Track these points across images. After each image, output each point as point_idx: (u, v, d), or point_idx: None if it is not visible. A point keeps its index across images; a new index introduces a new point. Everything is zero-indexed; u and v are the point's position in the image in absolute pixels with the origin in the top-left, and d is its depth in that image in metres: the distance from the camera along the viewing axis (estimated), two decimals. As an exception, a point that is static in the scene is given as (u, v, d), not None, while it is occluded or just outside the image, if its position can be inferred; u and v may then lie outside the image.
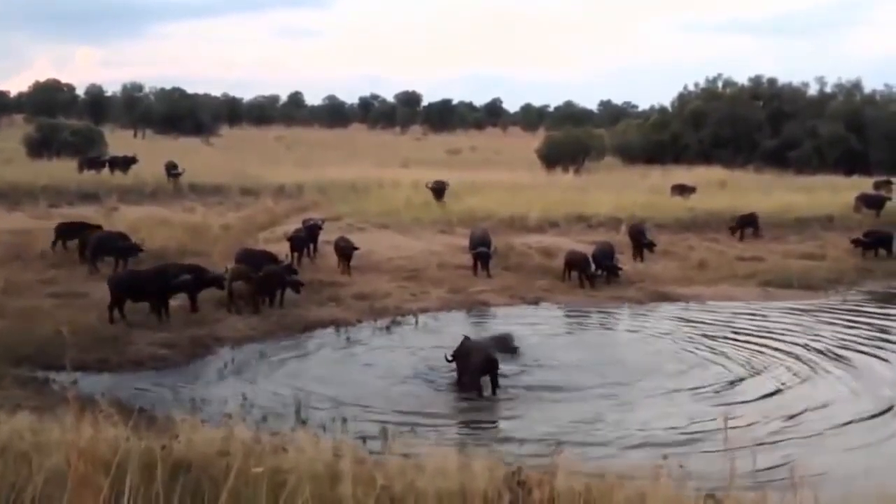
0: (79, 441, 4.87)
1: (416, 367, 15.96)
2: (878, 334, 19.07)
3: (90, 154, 43.54)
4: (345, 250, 22.78)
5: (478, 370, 14.32)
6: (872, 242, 27.47)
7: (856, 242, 27.48)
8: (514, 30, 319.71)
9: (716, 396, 14.65)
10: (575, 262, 23.26)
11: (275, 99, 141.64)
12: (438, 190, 33.17)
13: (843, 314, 21.09)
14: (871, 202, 33.30)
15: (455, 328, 19.39)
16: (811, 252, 27.70)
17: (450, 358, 15.02)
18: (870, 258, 27.02)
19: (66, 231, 23.44)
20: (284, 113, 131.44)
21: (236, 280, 19.25)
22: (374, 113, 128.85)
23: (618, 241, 26.06)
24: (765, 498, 5.77)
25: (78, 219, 25.27)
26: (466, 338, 15.24)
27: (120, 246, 21.76)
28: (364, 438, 10.68)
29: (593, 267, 23.14)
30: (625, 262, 25.27)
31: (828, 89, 65.31)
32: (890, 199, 33.85)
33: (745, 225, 29.50)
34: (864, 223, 30.76)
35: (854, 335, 18.89)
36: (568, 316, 20.99)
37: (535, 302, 21.75)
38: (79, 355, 14.42)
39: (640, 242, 26.01)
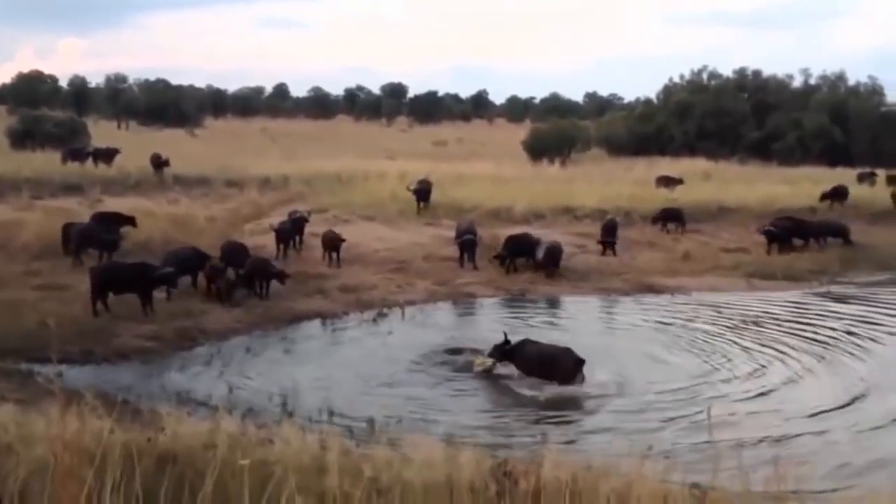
0: (64, 433, 4.84)
1: (403, 358, 15.96)
2: None
3: (73, 145, 43.12)
4: (333, 242, 22.70)
5: (571, 372, 14.36)
6: (779, 232, 27.25)
7: (764, 233, 27.22)
8: (501, 22, 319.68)
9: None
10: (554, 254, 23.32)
11: (259, 90, 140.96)
12: (422, 192, 29.94)
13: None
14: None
15: (442, 320, 19.47)
16: (794, 243, 27.83)
17: (495, 357, 14.99)
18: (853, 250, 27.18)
19: (102, 221, 23.56)
20: (269, 104, 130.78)
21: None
22: (359, 105, 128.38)
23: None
24: (748, 488, 5.80)
25: (113, 210, 25.48)
26: (528, 340, 15.14)
27: (104, 238, 21.65)
28: (351, 430, 10.70)
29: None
30: (610, 253, 25.45)
31: (812, 81, 65.84)
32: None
33: (669, 218, 29.05)
34: (846, 214, 31.04)
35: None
36: (579, 309, 20.81)
37: (521, 294, 21.80)
38: (64, 347, 14.37)
39: (605, 239, 25.68)
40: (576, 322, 19.58)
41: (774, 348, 16.97)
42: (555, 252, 23.26)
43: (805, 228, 27.75)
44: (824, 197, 32.90)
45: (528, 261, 23.47)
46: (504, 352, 14.95)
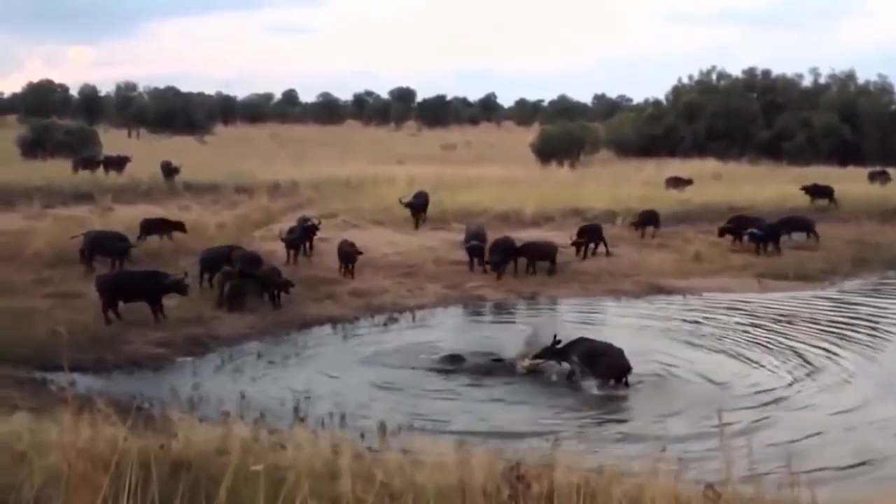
0: (77, 441, 4.87)
1: (414, 363, 15.96)
2: None
3: (84, 154, 43.36)
4: (349, 255, 22.46)
5: (612, 374, 14.44)
6: (736, 230, 27.04)
7: (721, 231, 27.05)
8: (508, 24, 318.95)
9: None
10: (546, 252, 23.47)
11: (269, 97, 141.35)
12: (418, 205, 28.58)
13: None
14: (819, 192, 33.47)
15: (452, 323, 19.49)
16: (806, 243, 27.78)
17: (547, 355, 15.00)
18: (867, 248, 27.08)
19: (151, 227, 24.48)
20: (278, 110, 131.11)
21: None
22: (368, 109, 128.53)
23: (614, 235, 26.28)
24: (763, 490, 5.78)
25: (159, 216, 26.33)
26: (582, 338, 15.18)
27: (116, 246, 21.70)
28: (363, 434, 10.71)
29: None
30: (621, 255, 25.42)
31: (822, 80, 65.65)
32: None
33: (647, 222, 28.40)
34: (859, 213, 31.00)
35: None
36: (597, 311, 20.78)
37: (532, 296, 21.79)
38: (76, 355, 14.43)
39: (580, 242, 25.16)
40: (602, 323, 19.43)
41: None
42: (526, 248, 23.37)
43: (759, 226, 27.05)
44: (805, 190, 32.97)
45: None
46: (556, 351, 14.90)
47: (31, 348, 14.77)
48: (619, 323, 19.33)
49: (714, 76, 66.15)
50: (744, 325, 19.10)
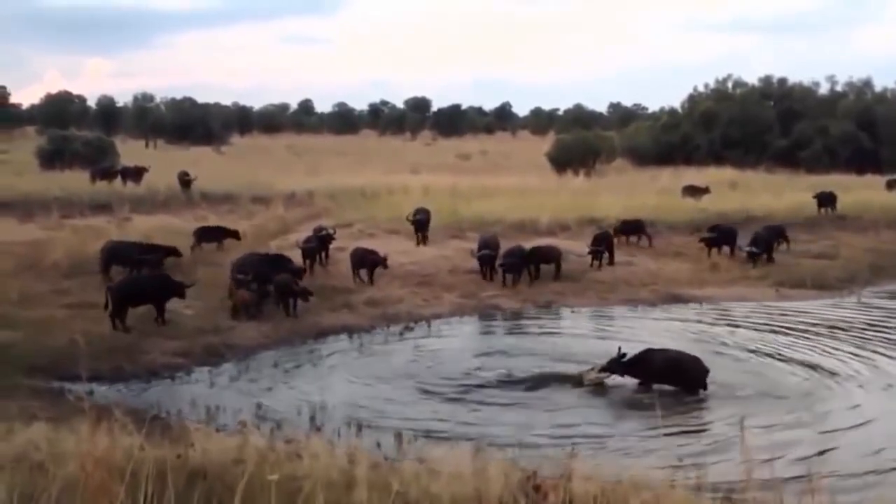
0: (94, 450, 4.88)
1: (430, 371, 15.95)
2: None
3: (102, 164, 43.64)
4: (368, 262, 22.43)
5: (699, 382, 14.50)
6: (717, 239, 26.69)
7: (703, 241, 26.63)
8: (523, 34, 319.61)
9: None
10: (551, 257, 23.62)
11: (285, 107, 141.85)
12: (422, 222, 27.68)
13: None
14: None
15: (468, 331, 19.46)
16: (823, 252, 27.60)
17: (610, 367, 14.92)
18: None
19: (205, 235, 25.39)
20: (294, 121, 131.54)
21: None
22: (383, 119, 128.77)
23: (631, 244, 26.22)
24: (782, 502, 5.72)
25: (213, 223, 27.29)
26: (651, 349, 15.15)
27: (138, 258, 21.76)
28: (379, 444, 10.69)
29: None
30: (637, 264, 25.32)
31: (838, 88, 65.28)
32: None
33: (628, 231, 27.67)
34: (878, 222, 30.75)
35: None
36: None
37: (548, 305, 21.74)
38: (93, 365, 14.50)
39: (598, 250, 24.95)
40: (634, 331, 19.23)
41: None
42: (532, 253, 23.40)
43: (755, 241, 26.43)
44: (816, 198, 32.89)
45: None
46: (624, 364, 14.80)
47: (49, 358, 14.87)
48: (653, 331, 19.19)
49: (730, 84, 65.85)
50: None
